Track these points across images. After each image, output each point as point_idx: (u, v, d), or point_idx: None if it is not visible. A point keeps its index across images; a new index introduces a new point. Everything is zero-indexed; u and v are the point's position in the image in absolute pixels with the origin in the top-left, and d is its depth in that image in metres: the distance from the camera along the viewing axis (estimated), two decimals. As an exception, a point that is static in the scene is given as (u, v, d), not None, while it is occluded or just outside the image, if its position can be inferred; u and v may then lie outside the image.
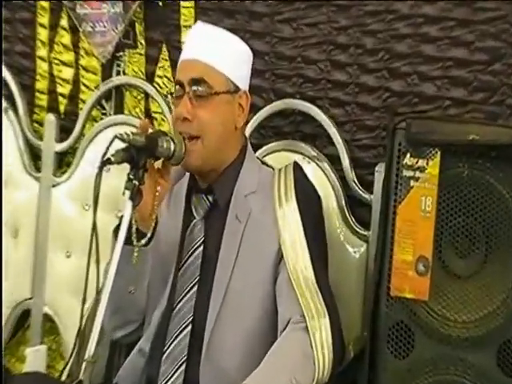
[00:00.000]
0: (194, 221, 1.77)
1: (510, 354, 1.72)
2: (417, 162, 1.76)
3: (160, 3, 2.33)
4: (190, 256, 1.75)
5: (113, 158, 1.54)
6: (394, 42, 2.06)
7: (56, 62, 2.52)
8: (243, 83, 1.77)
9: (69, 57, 2.50)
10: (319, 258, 1.72)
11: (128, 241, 1.59)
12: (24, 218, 2.41)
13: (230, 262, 1.70)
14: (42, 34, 2.53)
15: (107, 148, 1.54)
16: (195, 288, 1.73)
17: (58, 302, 2.36)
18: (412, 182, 1.76)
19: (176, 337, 1.71)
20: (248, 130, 2.14)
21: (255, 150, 2.07)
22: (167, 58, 2.35)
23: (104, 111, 2.45)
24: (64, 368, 2.00)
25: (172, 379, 1.69)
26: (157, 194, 1.66)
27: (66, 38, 2.50)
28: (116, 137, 1.55)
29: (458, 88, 2.00)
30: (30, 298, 2.40)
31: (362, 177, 2.06)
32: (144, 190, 1.60)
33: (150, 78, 2.38)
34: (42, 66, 2.53)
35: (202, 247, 1.74)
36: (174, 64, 2.32)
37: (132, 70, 2.42)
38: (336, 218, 2.03)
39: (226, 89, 1.73)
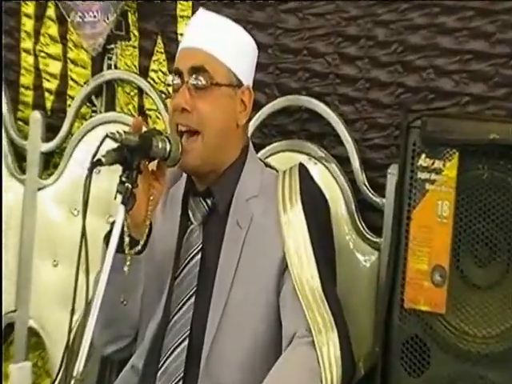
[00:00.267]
0: (192, 226, 1.77)
1: (534, 372, 1.72)
2: (433, 164, 1.76)
3: (154, -9, 2.35)
4: (186, 264, 1.75)
5: (104, 159, 1.54)
6: (408, 34, 2.07)
7: (42, 55, 2.53)
8: (246, 78, 1.77)
9: (56, 49, 2.51)
10: (326, 266, 1.73)
11: (120, 249, 1.59)
12: (7, 224, 2.41)
13: (230, 271, 1.71)
14: (27, 24, 2.54)
15: (97, 148, 1.54)
16: (192, 299, 1.73)
17: (44, 314, 2.37)
18: (427, 185, 1.76)
19: (172, 352, 1.71)
20: (250, 129, 2.14)
21: (257, 151, 2.08)
22: (162, 50, 2.36)
23: (94, 108, 2.46)
24: (50, 386, 2.01)
25: (168, 398, 1.69)
26: (151, 198, 1.66)
27: (52, 29, 2.51)
28: (107, 136, 1.55)
29: (477, 83, 2.00)
30: (13, 311, 2.41)
31: (374, 179, 2.07)
32: (137, 194, 1.59)
33: (143, 72, 2.39)
34: (27, 60, 2.54)
35: (199, 255, 1.75)
36: (169, 57, 2.33)
37: (124, 63, 2.43)
38: (345, 223, 2.03)
39: (227, 81, 1.73)
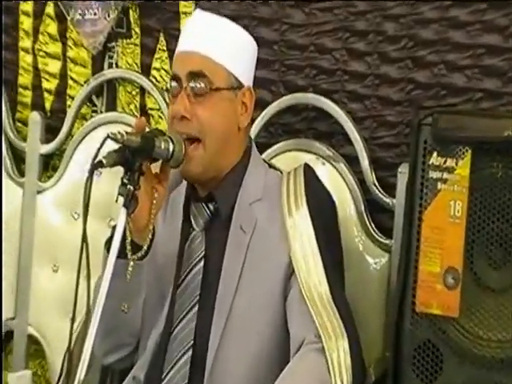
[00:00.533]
0: (194, 233, 1.77)
1: (552, 377, 1.72)
2: (445, 162, 1.77)
3: (156, -13, 2.36)
4: (189, 272, 1.76)
5: (105, 161, 1.54)
6: (419, 28, 2.07)
7: (41, 53, 2.54)
8: (247, 79, 1.77)
9: (55, 48, 2.52)
10: (334, 271, 1.73)
11: (122, 254, 1.59)
12: (6, 228, 2.42)
13: (233, 277, 1.71)
14: (26, 22, 2.55)
15: (98, 149, 1.55)
16: (196, 308, 1.73)
17: (43, 322, 2.37)
18: (439, 185, 1.77)
19: (175, 363, 1.72)
20: (255, 128, 2.16)
21: (263, 150, 2.09)
22: (165, 48, 2.36)
23: (95, 108, 2.47)
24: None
25: (171, 411, 1.70)
26: (154, 201, 1.66)
27: (52, 27, 2.52)
28: (108, 137, 1.55)
29: (490, 78, 2.01)
30: (12, 318, 2.41)
31: (383, 179, 2.07)
32: (140, 197, 1.60)
33: (145, 70, 2.40)
34: (26, 59, 2.55)
35: (202, 262, 1.75)
36: (172, 55, 2.30)
37: (126, 62, 2.43)
38: (354, 225, 2.04)
39: (227, 85, 1.73)
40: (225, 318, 1.70)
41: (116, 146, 1.58)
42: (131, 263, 1.64)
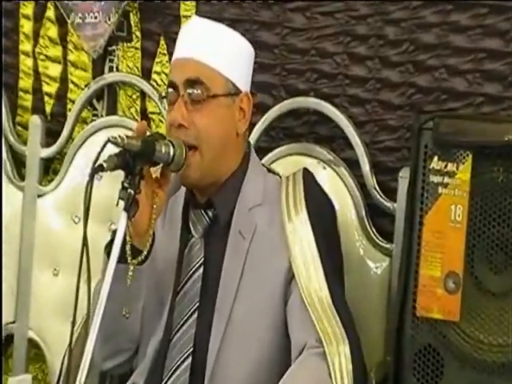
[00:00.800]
0: (193, 239, 1.78)
1: (553, 382, 1.73)
2: (445, 167, 1.77)
3: (157, -9, 2.36)
4: (188, 279, 1.76)
5: (105, 165, 1.55)
6: (420, 32, 2.08)
7: (41, 57, 2.54)
8: (244, 84, 1.78)
9: (56, 52, 2.52)
10: (334, 275, 1.73)
11: (122, 258, 1.59)
12: (6, 232, 2.42)
13: (233, 284, 1.72)
14: (26, 26, 2.55)
15: (99, 153, 1.55)
16: (195, 315, 1.74)
17: (44, 325, 2.38)
18: (440, 189, 1.77)
19: (175, 371, 1.72)
20: (256, 132, 2.16)
21: (264, 154, 2.10)
22: (165, 51, 2.37)
23: (95, 112, 2.47)
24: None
25: (171, 418, 1.71)
26: (154, 206, 1.66)
27: (52, 30, 2.52)
28: (109, 140, 1.56)
29: (491, 83, 2.01)
30: (12, 322, 2.42)
31: (384, 183, 2.07)
32: (140, 201, 1.61)
33: (146, 74, 2.40)
34: (26, 63, 2.55)
35: (201, 269, 1.76)
36: (173, 58, 2.34)
37: (126, 65, 2.44)
38: (355, 229, 2.04)
39: (224, 91, 1.73)
40: (224, 323, 1.70)
41: (117, 150, 1.59)
42: (131, 268, 1.65)
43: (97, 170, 1.54)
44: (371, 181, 2.07)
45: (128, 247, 1.65)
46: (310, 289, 1.68)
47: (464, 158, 1.76)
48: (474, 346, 1.75)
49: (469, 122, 1.81)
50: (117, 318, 1.70)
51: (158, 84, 2.38)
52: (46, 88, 2.54)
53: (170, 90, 1.74)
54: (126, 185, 1.58)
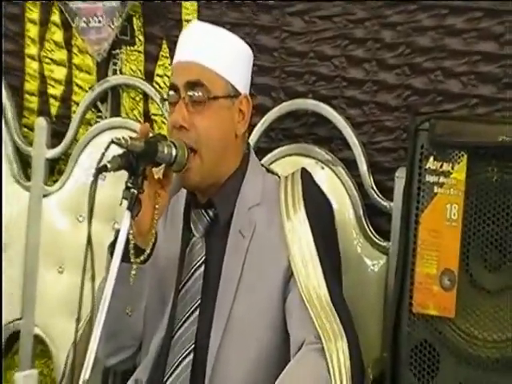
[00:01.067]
0: (194, 239, 1.78)
1: (546, 377, 1.72)
2: (441, 167, 1.77)
3: (160, -5, 2.36)
4: (190, 277, 1.76)
5: (109, 165, 1.56)
6: (416, 36, 2.08)
7: (47, 60, 2.54)
8: (243, 87, 1.78)
9: (61, 55, 2.53)
10: (333, 273, 1.73)
11: (125, 258, 1.59)
12: (12, 231, 2.43)
13: (233, 281, 1.72)
14: (32, 30, 2.55)
15: (103, 154, 1.56)
16: (196, 313, 1.74)
17: (49, 322, 2.38)
18: (436, 188, 1.77)
19: (176, 367, 1.72)
20: (256, 133, 2.16)
21: (264, 155, 2.10)
22: (168, 55, 2.37)
23: (99, 114, 2.47)
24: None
25: (173, 413, 1.71)
26: (156, 206, 1.67)
27: (57, 34, 2.53)
28: (112, 142, 1.57)
29: (486, 85, 2.01)
30: (19, 319, 2.42)
31: (381, 183, 2.07)
32: (143, 200, 1.61)
33: (149, 77, 2.40)
34: (32, 66, 2.56)
35: (203, 267, 1.76)
36: (175, 62, 2.34)
37: (130, 68, 2.44)
38: (353, 228, 2.04)
39: (224, 93, 1.74)
40: (224, 321, 1.70)
41: (120, 151, 1.59)
42: (134, 267, 1.65)
43: (101, 170, 1.55)
44: (368, 180, 2.07)
45: (131, 246, 1.65)
46: (308, 286, 1.68)
47: (459, 158, 1.76)
48: (469, 341, 1.75)
49: (464, 123, 1.81)
50: (120, 316, 1.70)
51: (160, 86, 2.38)
52: (51, 90, 2.54)
53: (172, 92, 1.75)
54: (129, 185, 1.59)
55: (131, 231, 1.63)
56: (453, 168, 1.76)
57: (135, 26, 2.41)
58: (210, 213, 1.77)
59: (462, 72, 2.03)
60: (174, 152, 1.67)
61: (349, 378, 1.60)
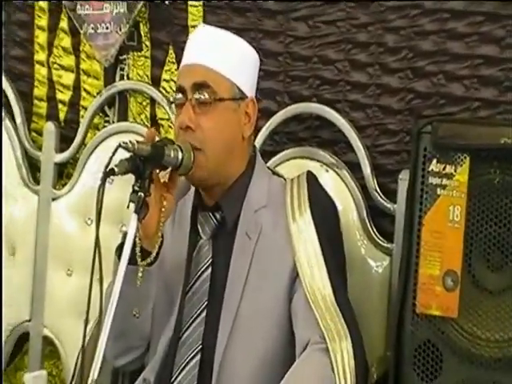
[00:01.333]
0: (201, 241, 1.78)
1: (549, 376, 1.72)
2: (444, 169, 1.77)
3: (166, 2, 2.36)
4: (197, 279, 1.76)
5: (116, 169, 1.56)
6: (418, 40, 2.08)
7: (55, 66, 2.55)
8: (249, 89, 1.78)
9: (69, 61, 2.53)
10: (337, 274, 1.73)
11: (131, 260, 1.60)
12: (22, 234, 2.43)
13: (239, 283, 1.72)
14: (41, 36, 2.56)
15: (110, 158, 1.57)
16: (204, 314, 1.74)
17: (58, 323, 2.38)
18: (439, 190, 1.77)
19: (184, 367, 1.73)
20: (261, 137, 2.16)
21: (269, 158, 2.10)
22: (174, 60, 2.37)
23: (107, 118, 2.48)
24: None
25: (181, 413, 1.71)
26: (163, 209, 1.67)
27: (65, 40, 2.53)
28: (120, 146, 1.57)
29: (488, 88, 2.01)
30: (28, 320, 2.42)
31: (385, 185, 2.08)
32: (150, 203, 1.61)
33: (155, 82, 2.41)
34: (41, 71, 2.56)
35: (210, 269, 1.76)
36: (181, 67, 2.34)
37: (137, 73, 2.45)
38: (357, 230, 2.04)
39: (231, 95, 1.74)
40: (231, 321, 1.70)
41: (127, 155, 1.59)
42: (141, 269, 1.65)
43: (108, 174, 1.55)
44: (372, 183, 2.07)
45: (138, 249, 1.65)
46: (313, 287, 1.68)
47: (462, 160, 1.76)
48: (471, 341, 1.74)
49: (466, 125, 1.81)
50: (127, 317, 1.70)
51: (166, 91, 2.38)
52: (59, 96, 2.55)
53: (179, 95, 1.75)
54: (136, 188, 1.59)
55: (138, 234, 1.63)
56: (455, 170, 1.76)
57: (142, 32, 2.42)
58: (217, 215, 1.77)
59: (464, 75, 2.03)
60: (180, 155, 1.67)
61: (353, 377, 1.61)
